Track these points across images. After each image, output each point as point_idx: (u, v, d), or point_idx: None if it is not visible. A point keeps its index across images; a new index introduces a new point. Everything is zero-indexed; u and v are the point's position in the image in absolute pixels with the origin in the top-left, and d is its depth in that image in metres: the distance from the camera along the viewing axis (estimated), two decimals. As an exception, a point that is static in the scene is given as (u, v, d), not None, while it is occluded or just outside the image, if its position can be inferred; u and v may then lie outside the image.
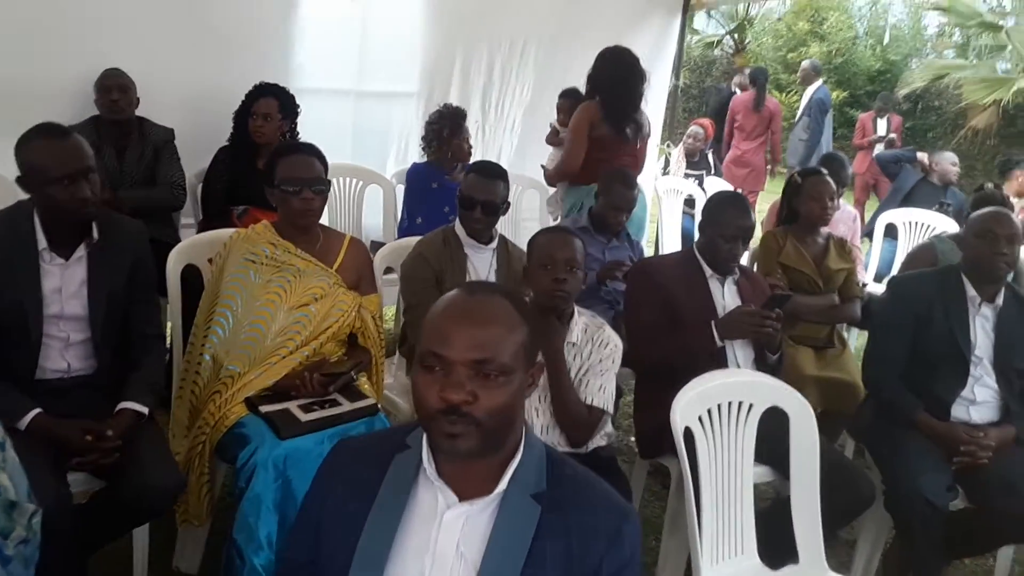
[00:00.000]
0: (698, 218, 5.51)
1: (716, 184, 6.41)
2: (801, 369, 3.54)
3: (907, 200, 6.04)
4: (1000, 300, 3.03)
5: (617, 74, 4.24)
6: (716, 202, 3.15)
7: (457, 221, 3.15)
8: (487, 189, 3.06)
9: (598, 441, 2.56)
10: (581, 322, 2.59)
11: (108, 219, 2.47)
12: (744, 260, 4.43)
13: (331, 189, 4.43)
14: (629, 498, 2.55)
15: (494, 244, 3.17)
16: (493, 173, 3.12)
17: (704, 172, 6.87)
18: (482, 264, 3.13)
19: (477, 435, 1.29)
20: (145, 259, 2.51)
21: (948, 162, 5.99)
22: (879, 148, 9.52)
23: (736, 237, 3.01)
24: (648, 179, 5.75)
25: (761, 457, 2.63)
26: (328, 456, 1.48)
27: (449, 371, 1.29)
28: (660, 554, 2.86)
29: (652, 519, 3.34)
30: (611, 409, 2.55)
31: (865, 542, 3.09)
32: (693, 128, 7.12)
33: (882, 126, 9.93)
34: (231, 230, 2.86)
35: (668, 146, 7.39)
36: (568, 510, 1.36)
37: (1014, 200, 4.27)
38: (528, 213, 5.11)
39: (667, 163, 7.10)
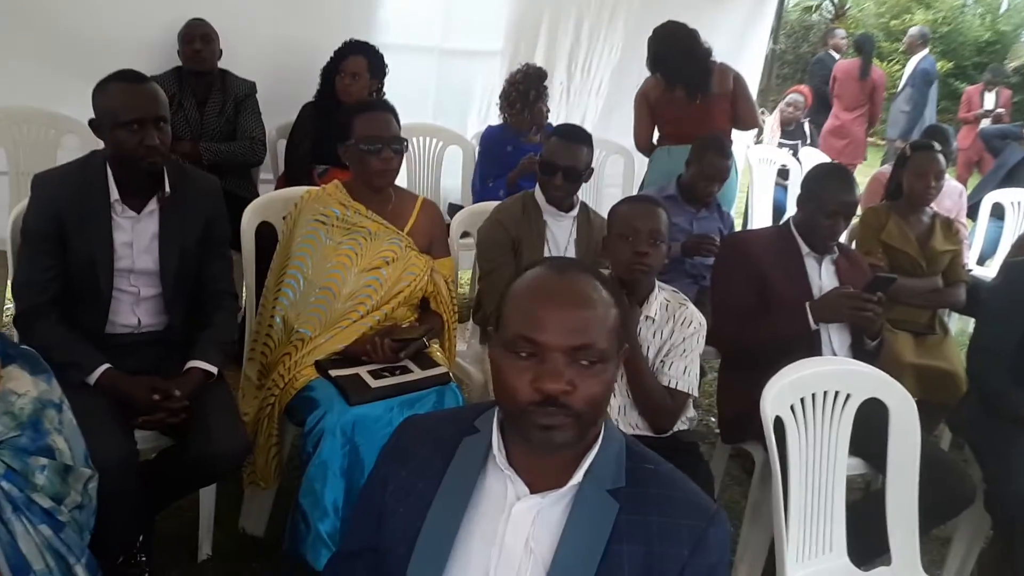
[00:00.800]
0: (791, 190, 5.29)
1: (811, 155, 6.10)
2: (899, 355, 3.32)
3: (1010, 178, 5.67)
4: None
5: (664, 47, 4.21)
6: (818, 174, 2.93)
7: (537, 187, 3.01)
8: (570, 154, 2.91)
9: (679, 425, 2.42)
10: (661, 297, 2.43)
11: (181, 172, 2.42)
12: (843, 238, 4.23)
13: (410, 149, 4.47)
14: (711, 487, 2.41)
15: (575, 212, 3.03)
16: (577, 137, 2.97)
17: (800, 142, 6.55)
18: (561, 232, 2.99)
19: (574, 427, 1.18)
20: (219, 215, 2.45)
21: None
22: (985, 123, 9.01)
23: (838, 213, 2.80)
24: (740, 147, 5.50)
25: (854, 448, 2.47)
26: (392, 436, 1.38)
27: (544, 358, 1.16)
28: (739, 544, 2.72)
29: (731, 504, 3.19)
30: (695, 392, 2.40)
31: (961, 541, 2.89)
32: (792, 95, 6.80)
33: (990, 100, 9.38)
34: (304, 188, 2.79)
35: (763, 113, 7.07)
36: (648, 510, 1.23)
37: None
38: (611, 179, 4.94)
39: (760, 131, 6.79)
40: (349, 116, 2.61)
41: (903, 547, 2.23)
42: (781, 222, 3.01)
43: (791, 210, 4.77)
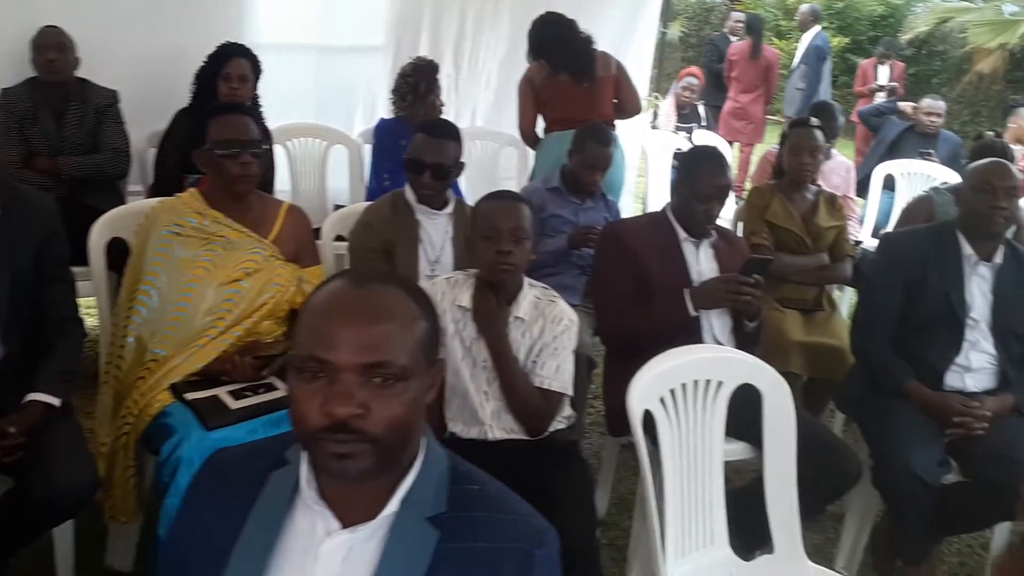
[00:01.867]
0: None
1: (705, 137, 6.12)
2: (787, 334, 3.32)
3: (892, 152, 5.79)
4: (999, 258, 2.80)
5: (545, 35, 4.19)
6: (690, 158, 2.91)
7: (407, 185, 2.91)
8: (436, 151, 2.82)
9: (556, 424, 2.35)
10: (531, 296, 2.35)
11: (13, 194, 2.25)
12: (730, 218, 4.23)
13: (292, 152, 4.32)
14: (589, 487, 2.35)
15: (449, 209, 2.93)
16: (443, 133, 2.88)
17: (695, 125, 6.58)
18: (436, 231, 2.90)
19: (372, 454, 1.07)
20: (55, 235, 2.29)
21: (932, 108, 5.72)
22: (880, 96, 9.20)
23: (711, 197, 2.78)
24: (635, 134, 5.48)
25: (739, 433, 2.44)
26: (198, 472, 1.27)
27: (334, 379, 1.07)
28: (631, 538, 2.68)
29: (628, 496, 3.16)
30: (570, 391, 2.33)
31: (853, 519, 2.91)
32: (686, 79, 6.81)
33: (884, 73, 9.56)
34: (155, 200, 2.64)
35: (656, 98, 7.10)
36: (472, 536, 1.14)
37: (1015, 147, 4.01)
38: (506, 172, 4.86)
39: (656, 116, 6.80)
40: (203, 120, 2.48)
41: (784, 531, 2.21)
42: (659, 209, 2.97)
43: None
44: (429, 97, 4.17)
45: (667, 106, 6.67)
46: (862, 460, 2.71)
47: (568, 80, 4.11)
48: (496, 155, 4.81)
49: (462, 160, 2.96)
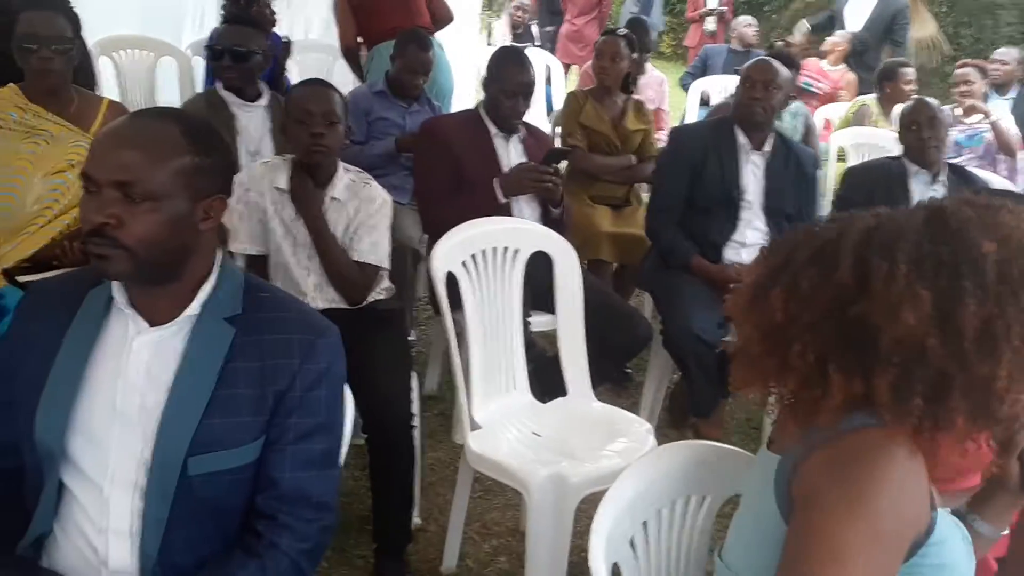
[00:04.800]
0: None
1: (536, 55, 6.37)
2: (598, 226, 3.68)
3: (707, 70, 6.27)
4: (768, 147, 3.20)
5: None
6: (496, 59, 3.15)
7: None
8: (239, 37, 3.00)
9: (376, 295, 2.59)
10: (346, 179, 2.56)
11: None
12: (547, 123, 4.54)
13: (118, 63, 4.30)
14: (406, 350, 2.62)
15: (263, 101, 3.09)
16: (243, 20, 3.06)
17: (528, 44, 6.83)
18: (253, 124, 3.06)
19: (128, 261, 1.27)
20: None
21: (742, 25, 6.22)
22: (710, 21, 9.67)
23: (516, 93, 3.05)
24: (470, 50, 5.68)
25: (550, 307, 2.74)
26: (20, 302, 1.44)
27: (96, 193, 1.27)
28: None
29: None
30: (386, 264, 2.57)
31: (651, 383, 3.29)
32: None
33: (713, -2, 10.05)
34: (-26, 96, 2.67)
35: (488, 16, 7.30)
36: (263, 330, 1.37)
37: (895, 109, 4.48)
38: (342, 86, 4.95)
39: (490, 35, 7.01)
40: (12, 14, 2.53)
41: (575, 376, 2.55)
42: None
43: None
44: (254, 7, 4.23)
45: (502, 25, 6.88)
46: (653, 327, 3.08)
47: None
48: (331, 68, 4.91)
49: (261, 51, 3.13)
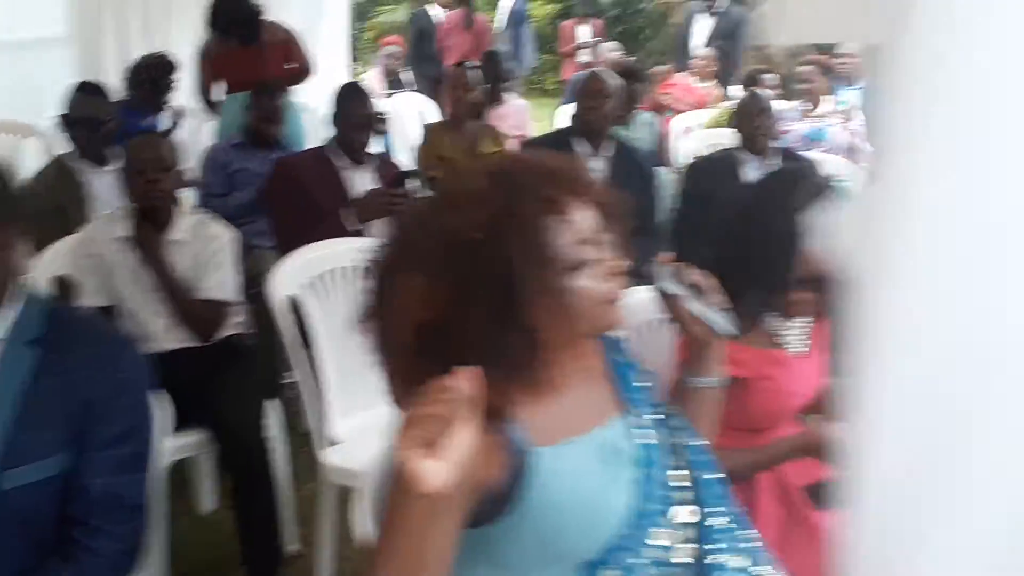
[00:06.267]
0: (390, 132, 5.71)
1: (405, 99, 6.48)
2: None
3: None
4: (609, 152, 3.41)
5: (215, 6, 4.43)
6: (339, 96, 3.29)
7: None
8: (88, 106, 3.10)
9: (230, 330, 2.66)
10: (189, 221, 2.67)
11: None
12: (408, 156, 4.68)
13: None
14: (273, 381, 2.69)
15: (117, 164, 3.16)
16: (93, 91, 3.16)
17: (405, 89, 6.98)
18: (105, 188, 3.15)
19: None
20: None
21: (607, 51, 6.52)
22: (585, 54, 9.99)
23: (361, 125, 3.20)
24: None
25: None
26: None
27: None
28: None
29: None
30: (233, 299, 2.64)
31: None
32: (387, 48, 7.22)
33: (584, 32, 10.39)
34: None
35: (358, 67, 7.45)
36: (68, 349, 1.45)
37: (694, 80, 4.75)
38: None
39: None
40: None
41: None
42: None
43: (392, 150, 5.11)
44: None
45: (375, 74, 7.03)
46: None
47: (236, 44, 4.43)
48: (198, 128, 4.96)
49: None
